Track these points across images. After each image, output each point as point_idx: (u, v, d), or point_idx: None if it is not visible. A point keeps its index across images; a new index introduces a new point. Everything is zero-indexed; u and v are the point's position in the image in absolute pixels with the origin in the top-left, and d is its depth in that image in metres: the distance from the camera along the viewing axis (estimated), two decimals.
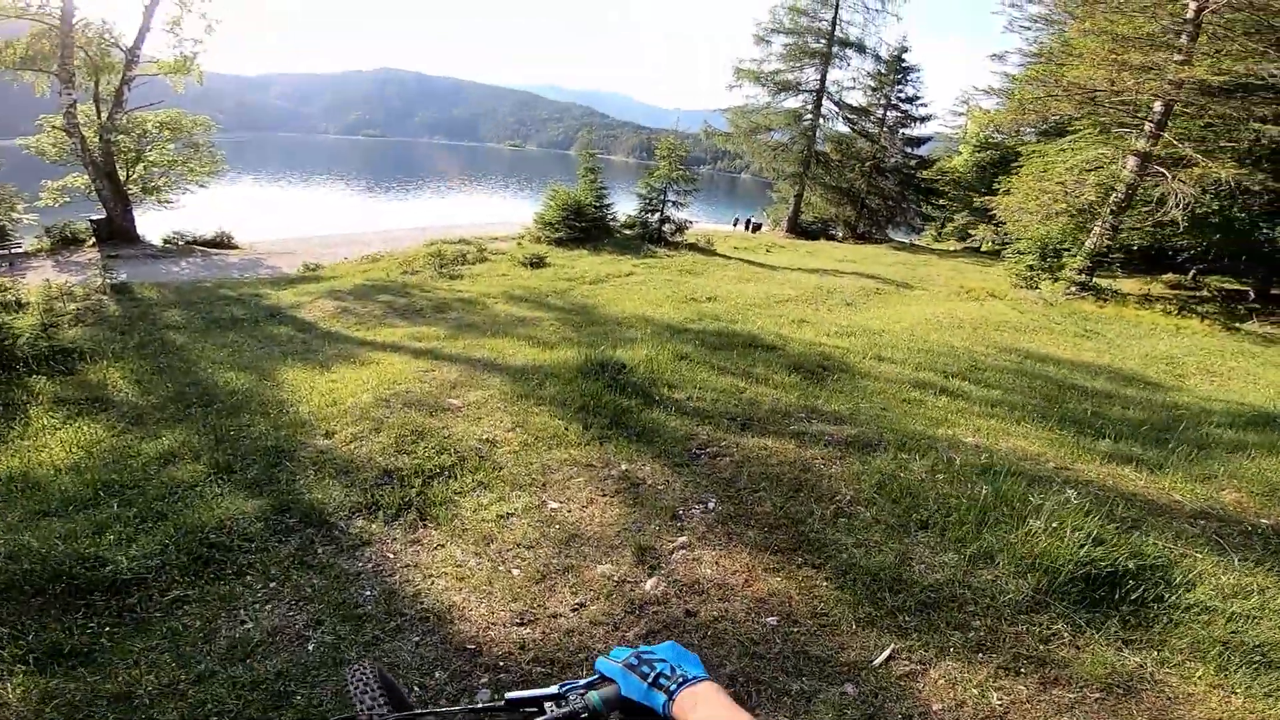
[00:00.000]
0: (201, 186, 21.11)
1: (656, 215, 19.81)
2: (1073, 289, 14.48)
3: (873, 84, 29.47)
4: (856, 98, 29.86)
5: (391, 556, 3.13)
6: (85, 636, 2.59)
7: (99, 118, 17.44)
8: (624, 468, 3.96)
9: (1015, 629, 2.70)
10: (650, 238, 19.39)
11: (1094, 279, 14.98)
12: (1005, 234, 17.56)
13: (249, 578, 2.97)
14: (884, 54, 28.77)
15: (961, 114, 34.15)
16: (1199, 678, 2.49)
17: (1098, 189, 14.88)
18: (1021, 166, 17.99)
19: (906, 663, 2.53)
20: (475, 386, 5.33)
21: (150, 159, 19.18)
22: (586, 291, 11.48)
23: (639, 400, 4.95)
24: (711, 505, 3.61)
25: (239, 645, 2.53)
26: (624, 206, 21.13)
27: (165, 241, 18.26)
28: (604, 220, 18.81)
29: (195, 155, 20.33)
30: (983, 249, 28.09)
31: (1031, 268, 15.59)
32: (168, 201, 20.13)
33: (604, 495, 3.68)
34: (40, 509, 3.59)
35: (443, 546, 3.22)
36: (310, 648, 2.55)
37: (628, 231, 19.75)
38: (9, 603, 2.74)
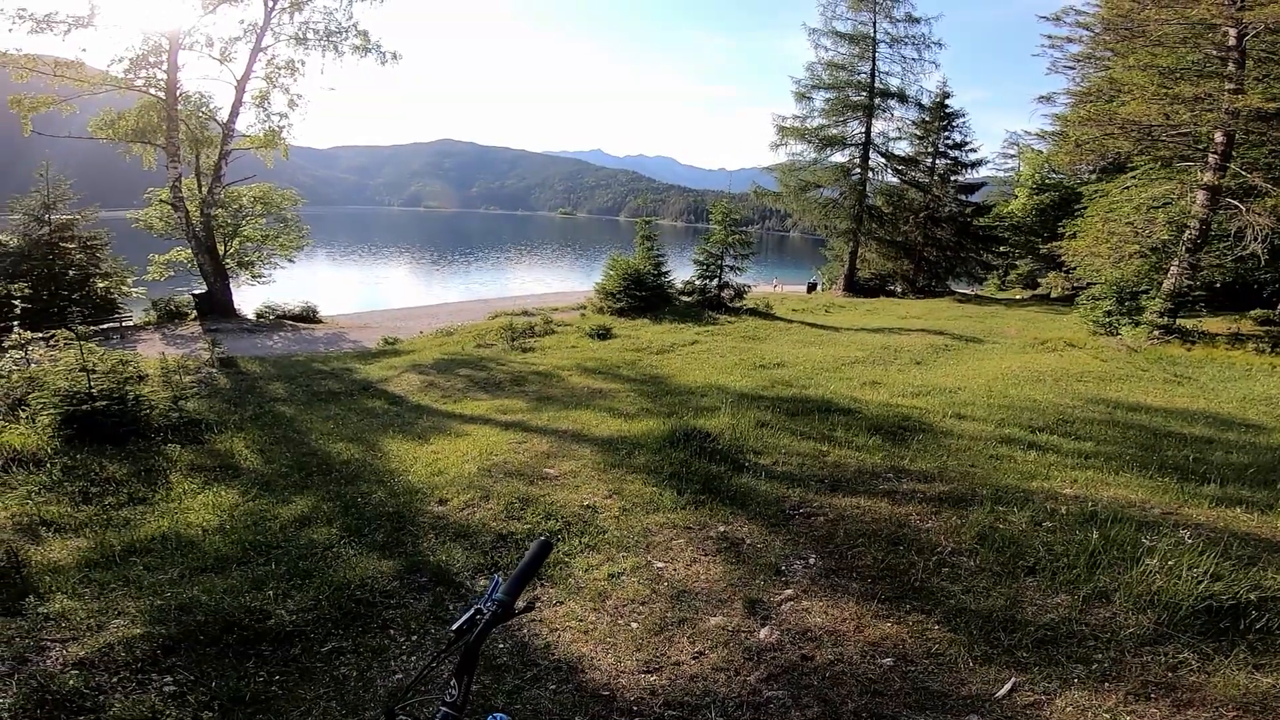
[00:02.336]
0: (290, 261, 22.61)
1: (715, 281, 20.21)
2: (1156, 333, 13.95)
3: (918, 133, 29.76)
4: (903, 148, 30.20)
5: (525, 617, 3.34)
6: (259, 684, 2.85)
7: (200, 191, 18.91)
8: (721, 529, 4.14)
9: (1140, 659, 2.73)
10: (710, 304, 19.75)
11: (1178, 321, 14.41)
12: (1076, 279, 17.14)
13: (392, 631, 3.25)
14: (926, 101, 29.10)
15: (1012, 156, 33.93)
16: None
17: (1169, 227, 14.51)
18: (1085, 208, 17.70)
19: (1030, 694, 2.59)
20: (567, 457, 5.63)
21: (245, 233, 20.73)
22: (655, 361, 11.82)
23: (727, 467, 5.15)
24: (812, 560, 3.72)
25: (396, 693, 2.77)
26: (680, 272, 21.63)
27: (258, 315, 19.55)
28: (663, 288, 19.25)
29: (284, 230, 21.81)
30: (1053, 296, 27.31)
31: (1109, 313, 15.14)
32: (260, 276, 21.62)
33: (705, 555, 3.86)
34: (198, 565, 3.97)
35: (562, 603, 3.43)
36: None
37: (686, 299, 20.13)
38: (188, 652, 3.04)
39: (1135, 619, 2.96)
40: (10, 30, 16.60)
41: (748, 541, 4.00)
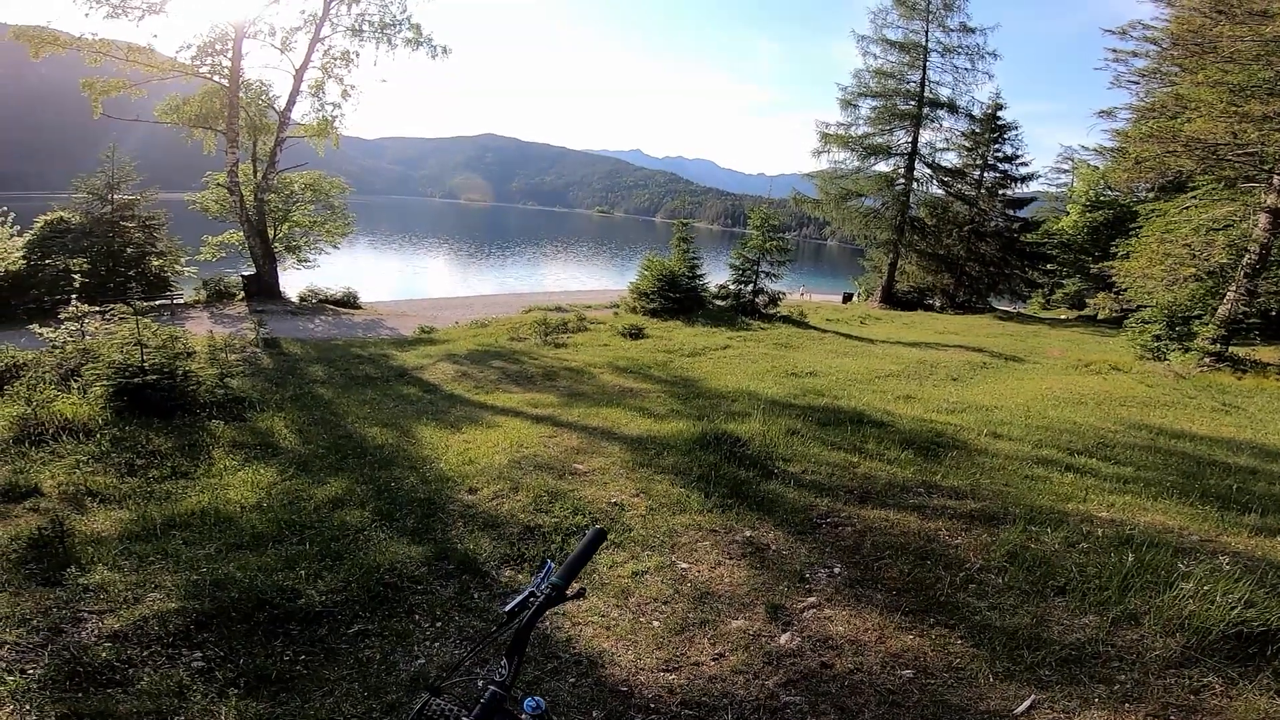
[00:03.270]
0: (335, 247, 23.26)
1: (750, 286, 20.10)
2: (1207, 360, 13.42)
3: (967, 144, 29.07)
4: (951, 159, 29.56)
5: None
6: (285, 664, 2.92)
7: (255, 176, 19.59)
8: (748, 534, 4.15)
9: (1164, 682, 2.68)
10: (744, 309, 19.65)
11: (1230, 348, 13.84)
12: (1126, 301, 16.58)
13: (417, 616, 3.32)
14: (977, 113, 28.41)
15: (1065, 171, 32.94)
16: None
17: (1228, 250, 13.93)
18: (1141, 227, 17.11)
19: (1050, 712, 2.55)
20: (596, 454, 5.68)
21: (295, 219, 21.42)
22: (686, 364, 11.82)
23: (755, 472, 5.15)
24: (837, 570, 3.70)
25: (419, 678, 2.83)
26: (714, 276, 21.55)
27: (301, 299, 20.13)
28: (697, 291, 19.24)
29: (331, 217, 22.45)
30: (1100, 317, 26.46)
31: (1158, 337, 14.63)
32: (306, 260, 22.28)
33: (730, 558, 3.87)
34: (234, 542, 4.09)
35: (585, 598, 3.46)
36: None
37: (720, 303, 20.08)
38: (220, 628, 3.11)
39: (1163, 642, 2.90)
40: (87, 15, 17.36)
41: (773, 548, 4.00)
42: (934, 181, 29.29)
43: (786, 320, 19.28)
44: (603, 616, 3.31)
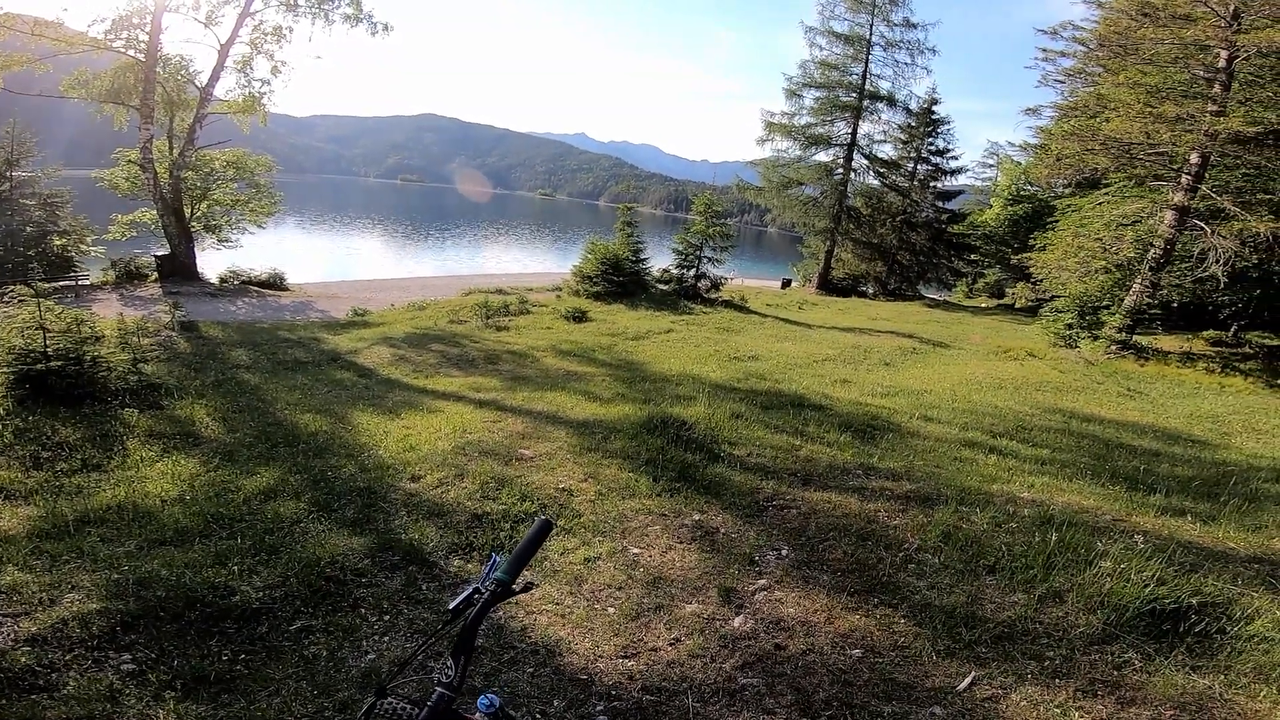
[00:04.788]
0: (260, 227, 22.05)
1: (693, 271, 20.29)
2: (1114, 348, 14.45)
3: (903, 137, 30.13)
4: (887, 151, 30.58)
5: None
6: (223, 664, 2.77)
7: (171, 154, 18.43)
8: (696, 518, 4.19)
9: (1089, 658, 2.87)
10: (686, 294, 19.83)
11: (1134, 337, 14.93)
12: (1042, 291, 17.65)
13: (363, 610, 3.21)
14: (914, 106, 29.46)
15: (991, 165, 34.59)
16: (1264, 697, 2.64)
17: (1136, 245, 14.96)
18: (1058, 221, 18.16)
19: (988, 687, 2.70)
20: (543, 439, 5.60)
21: (215, 197, 20.19)
22: (630, 347, 11.83)
23: (702, 456, 5.19)
24: (785, 552, 3.79)
25: (370, 674, 2.74)
26: (657, 260, 21.61)
27: (221, 280, 19.01)
28: (640, 275, 19.31)
29: (256, 196, 21.27)
30: (1017, 306, 28.07)
31: (1070, 326, 15.62)
32: (227, 240, 21.02)
33: (681, 542, 3.90)
34: (156, 538, 3.83)
35: (538, 586, 3.44)
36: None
37: (663, 286, 20.21)
38: (148, 629, 2.93)
39: (1086, 619, 3.10)
40: None
41: (722, 531, 4.05)
42: (870, 172, 30.29)
43: (728, 305, 19.56)
44: (557, 605, 3.28)
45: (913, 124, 29.76)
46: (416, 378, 8.86)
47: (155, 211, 18.51)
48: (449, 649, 1.19)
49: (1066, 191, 22.23)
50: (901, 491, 4.65)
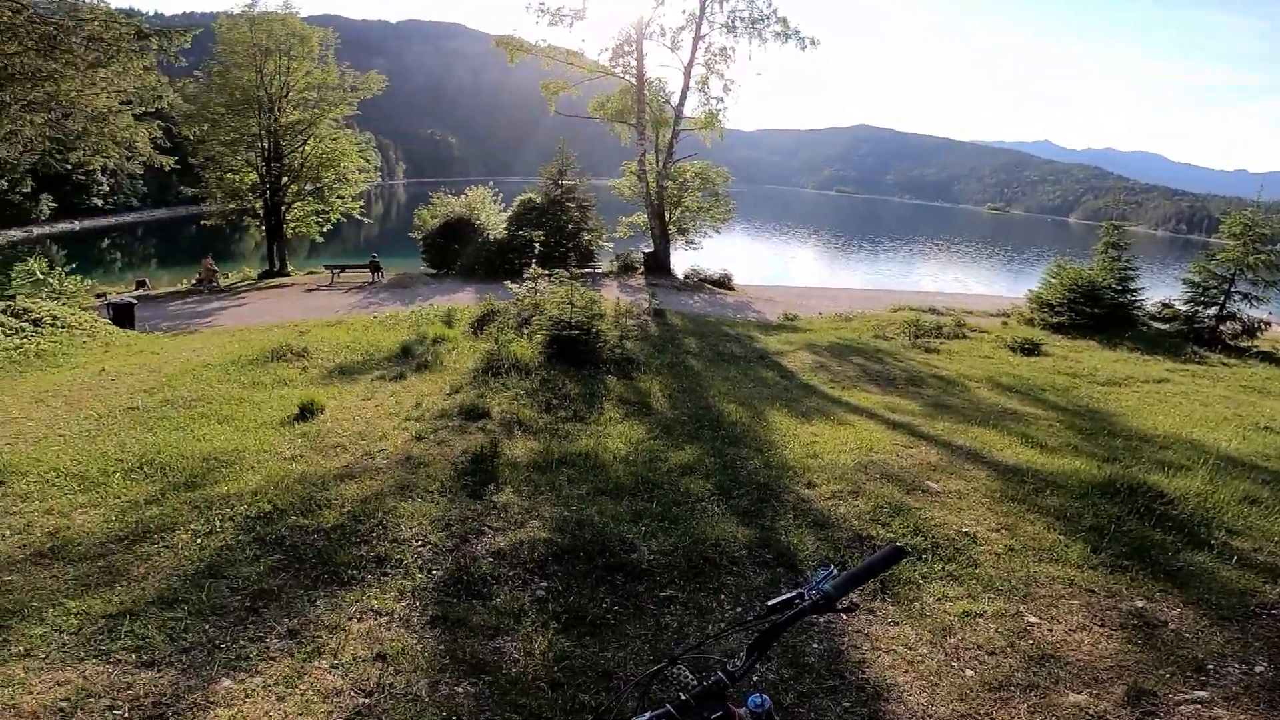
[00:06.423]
0: (716, 231, 25.57)
1: (1214, 309, 15.18)
2: None
3: None
4: None
5: (844, 618, 3.13)
6: (600, 610, 3.16)
7: (657, 165, 22.66)
8: (1138, 604, 3.36)
9: None
10: (1199, 337, 14.93)
11: None
12: None
13: (723, 596, 3.35)
14: None
15: None
16: None
17: None
18: None
19: None
20: (957, 475, 5.06)
21: (686, 204, 24.20)
22: (1097, 393, 9.51)
23: (1178, 537, 4.06)
24: (1259, 669, 2.78)
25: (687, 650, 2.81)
26: (1153, 292, 17.05)
27: (685, 276, 22.68)
28: (1126, 308, 15.36)
29: (715, 203, 24.74)
30: None
31: None
32: (692, 242, 25.03)
33: (1101, 625, 3.20)
34: (601, 488, 4.62)
35: (897, 624, 3.15)
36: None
37: (1160, 325, 15.65)
38: (567, 565, 3.50)
39: None
40: (536, 23, 23.12)
41: (1171, 627, 3.13)
42: None
43: (1266, 358, 14.01)
44: (909, 649, 2.94)
45: None
46: (833, 387, 8.86)
47: (645, 215, 23.15)
48: (748, 641, 1.21)
49: None
50: None
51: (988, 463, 5.42)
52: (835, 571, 1.26)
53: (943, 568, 3.65)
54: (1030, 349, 12.36)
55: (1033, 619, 3.21)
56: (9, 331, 9.46)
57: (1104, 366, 11.38)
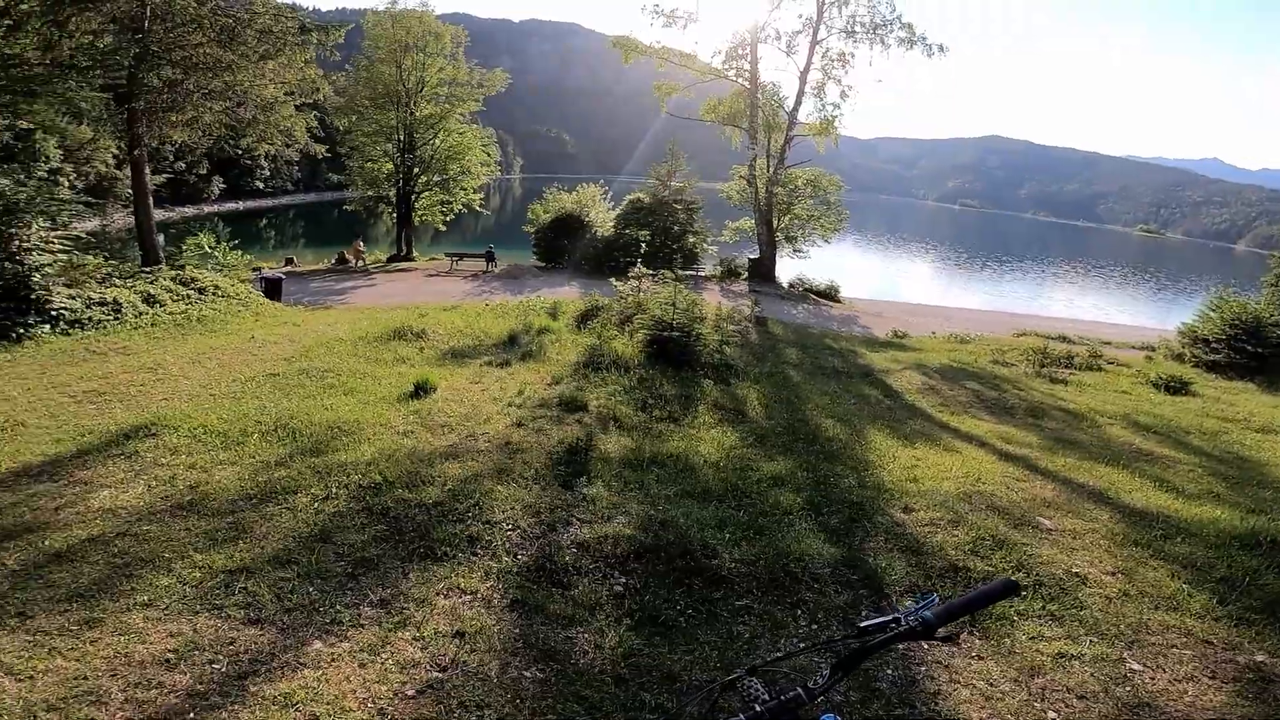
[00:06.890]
0: (826, 241, 24.75)
1: None
2: None
3: None
4: None
5: (925, 646, 3.01)
6: (674, 613, 3.16)
7: (768, 170, 22.32)
8: (1259, 659, 3.17)
9: None
10: None
11: None
12: None
13: (799, 613, 3.27)
14: None
15: None
16: None
17: None
18: None
19: None
20: (1074, 514, 4.73)
21: (795, 212, 23.58)
22: (1251, 440, 8.40)
23: None
24: None
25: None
26: None
27: (790, 285, 22.19)
28: None
29: (826, 212, 23.93)
30: None
31: None
32: (800, 251, 24.36)
33: (1212, 677, 3.01)
34: (689, 491, 4.62)
35: (981, 659, 3.01)
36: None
37: None
38: (647, 563, 3.52)
39: None
40: (650, 25, 23.26)
41: None
42: None
43: None
44: (991, 685, 2.80)
45: None
46: (941, 411, 8.38)
47: (753, 220, 22.84)
48: (831, 660, 1.17)
49: None
50: None
51: (1112, 504, 5.02)
52: (938, 599, 1.22)
53: (1043, 606, 3.44)
54: (1177, 387, 11.10)
55: (1135, 665, 3.02)
56: (177, 298, 10.75)
57: (1262, 412, 10.02)
